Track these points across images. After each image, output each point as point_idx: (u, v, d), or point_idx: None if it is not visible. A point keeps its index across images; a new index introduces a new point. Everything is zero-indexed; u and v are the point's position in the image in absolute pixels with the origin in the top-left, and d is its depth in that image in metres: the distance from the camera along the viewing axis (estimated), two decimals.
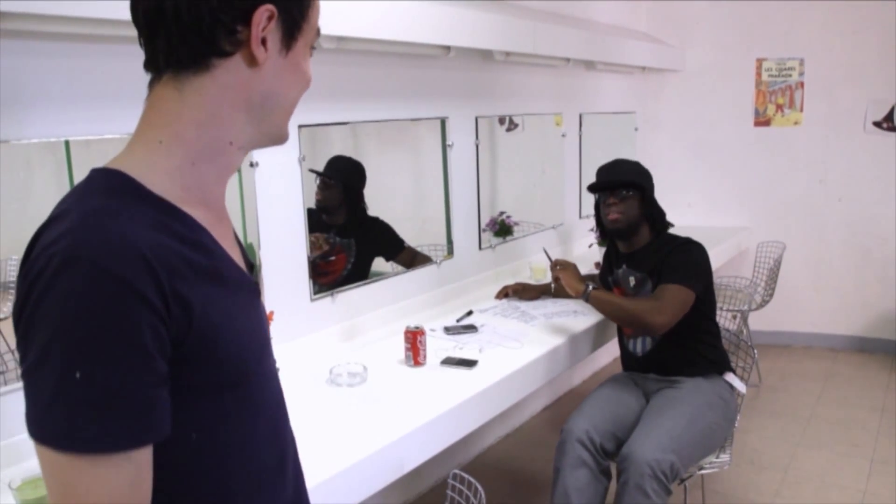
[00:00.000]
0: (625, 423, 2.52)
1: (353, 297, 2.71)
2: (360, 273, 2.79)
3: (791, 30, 4.81)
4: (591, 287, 2.61)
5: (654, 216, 2.69)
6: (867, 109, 4.70)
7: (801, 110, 4.87)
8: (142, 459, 0.72)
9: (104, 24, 1.68)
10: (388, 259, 2.98)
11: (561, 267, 2.73)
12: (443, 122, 3.08)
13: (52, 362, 0.68)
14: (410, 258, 3.05)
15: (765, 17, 4.85)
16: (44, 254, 0.71)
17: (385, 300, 2.85)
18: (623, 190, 2.67)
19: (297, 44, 0.85)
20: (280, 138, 0.89)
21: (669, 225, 2.76)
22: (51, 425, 0.69)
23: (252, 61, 0.81)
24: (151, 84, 0.83)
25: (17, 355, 1.66)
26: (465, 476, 1.81)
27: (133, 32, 0.82)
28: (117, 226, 0.72)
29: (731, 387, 2.59)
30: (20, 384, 0.72)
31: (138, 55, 0.83)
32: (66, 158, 1.80)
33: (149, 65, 0.82)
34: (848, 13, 4.65)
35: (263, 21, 0.80)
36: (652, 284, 2.61)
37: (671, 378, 2.61)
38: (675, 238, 2.68)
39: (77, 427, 0.68)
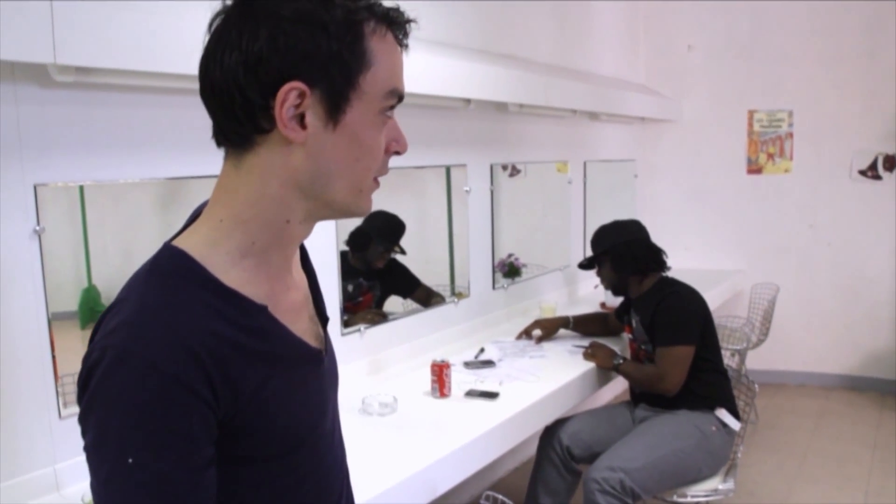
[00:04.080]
0: (603, 441, 2.79)
1: (379, 333, 2.87)
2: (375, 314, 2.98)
3: (780, 83, 5.07)
4: (616, 363, 2.89)
5: (637, 269, 2.93)
6: (853, 159, 4.95)
7: (791, 159, 5.12)
8: None
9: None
10: (404, 297, 3.15)
11: (593, 351, 2.96)
12: (448, 168, 3.27)
13: (109, 446, 0.73)
14: (426, 296, 3.22)
15: (756, 72, 5.12)
16: (102, 343, 0.75)
17: (408, 336, 3.01)
18: (594, 264, 3.06)
19: (346, 117, 0.80)
20: (348, 211, 0.86)
21: (665, 269, 2.97)
22: (107, 500, 0.74)
23: (288, 138, 0.79)
24: (224, 157, 0.84)
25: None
26: (499, 497, 1.95)
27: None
28: (171, 321, 0.75)
29: (723, 422, 2.75)
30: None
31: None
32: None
33: (213, 137, 0.83)
34: (833, 69, 4.93)
35: (293, 99, 0.77)
36: (646, 334, 2.86)
37: (656, 409, 2.84)
38: (665, 286, 2.89)
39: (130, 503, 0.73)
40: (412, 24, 0.85)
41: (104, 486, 0.74)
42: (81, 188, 1.84)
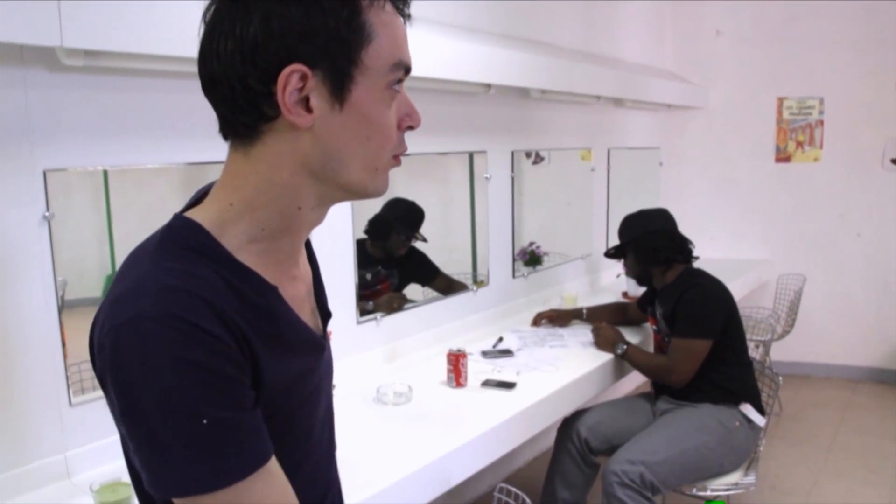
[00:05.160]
0: (623, 433, 2.74)
1: (396, 321, 2.85)
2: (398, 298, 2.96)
3: (811, 70, 4.96)
4: (619, 351, 2.85)
5: (659, 260, 2.87)
6: (885, 147, 4.83)
7: (821, 147, 5.01)
8: (275, 466, 0.76)
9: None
10: (423, 285, 3.12)
11: (595, 333, 2.97)
12: (471, 155, 3.23)
13: (175, 418, 0.69)
14: (446, 284, 3.19)
15: (786, 58, 5.01)
16: (122, 315, 0.71)
17: (425, 325, 2.98)
18: (619, 254, 3.04)
19: (352, 95, 0.76)
20: (364, 192, 0.82)
21: (692, 259, 2.91)
22: (196, 472, 0.70)
23: (294, 124, 0.76)
24: (230, 144, 0.82)
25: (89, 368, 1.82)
26: (512, 489, 1.92)
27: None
28: (191, 283, 0.73)
29: (748, 418, 2.70)
30: (97, 393, 0.77)
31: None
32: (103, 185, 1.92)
33: (219, 130, 0.82)
34: (866, 56, 4.81)
35: (295, 82, 0.74)
36: (668, 326, 2.81)
37: (679, 402, 2.79)
38: (690, 278, 2.84)
39: (225, 462, 0.70)
40: None
41: (187, 460, 0.70)
42: (105, 174, 1.83)
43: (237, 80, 0.74)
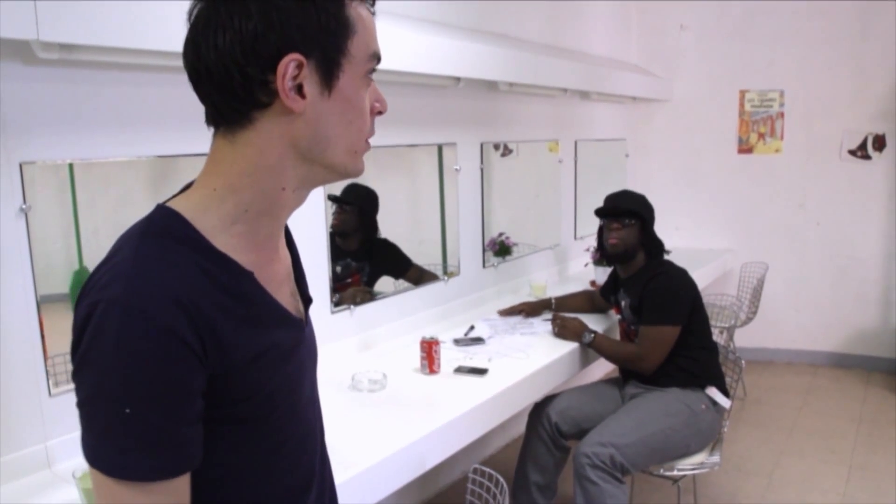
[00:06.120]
0: (592, 417, 2.82)
1: (368, 311, 2.89)
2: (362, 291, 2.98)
3: (772, 63, 5.08)
4: (586, 341, 2.88)
5: (651, 246, 2.93)
6: (842, 139, 4.96)
7: (782, 139, 5.13)
8: (180, 485, 0.79)
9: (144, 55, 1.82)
10: (396, 278, 3.15)
11: (560, 324, 2.97)
12: (440, 147, 3.28)
13: (105, 398, 0.74)
14: (418, 276, 3.23)
15: (747, 51, 5.12)
16: (95, 297, 0.76)
17: (397, 314, 3.03)
18: (626, 218, 2.92)
19: (339, 82, 0.84)
20: (345, 172, 0.89)
21: (666, 253, 2.99)
22: (103, 454, 0.75)
23: (290, 109, 0.82)
24: (214, 133, 0.87)
25: (67, 361, 1.82)
26: (487, 469, 1.97)
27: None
28: (164, 276, 0.77)
29: (713, 400, 2.79)
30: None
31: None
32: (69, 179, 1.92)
33: (206, 119, 0.86)
34: (824, 50, 4.93)
35: (292, 70, 0.80)
36: (635, 315, 2.87)
37: (647, 386, 2.86)
38: (655, 266, 2.91)
39: (126, 458, 0.74)
40: None
41: (99, 440, 0.75)
42: (71, 167, 1.83)
43: (236, 68, 0.79)
